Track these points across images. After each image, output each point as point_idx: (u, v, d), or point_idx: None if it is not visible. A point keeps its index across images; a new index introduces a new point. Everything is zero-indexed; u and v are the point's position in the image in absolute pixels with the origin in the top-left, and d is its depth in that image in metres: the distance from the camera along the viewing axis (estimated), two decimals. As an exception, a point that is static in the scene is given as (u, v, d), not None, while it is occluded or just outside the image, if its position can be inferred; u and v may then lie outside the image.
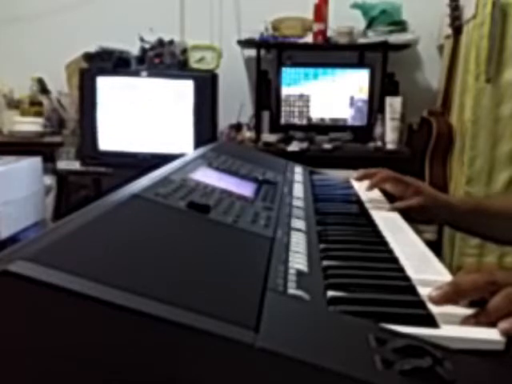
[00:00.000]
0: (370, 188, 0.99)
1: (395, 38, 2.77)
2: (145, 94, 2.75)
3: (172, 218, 0.57)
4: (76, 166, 2.89)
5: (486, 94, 2.28)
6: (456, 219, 0.96)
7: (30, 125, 2.92)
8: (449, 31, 2.62)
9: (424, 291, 0.51)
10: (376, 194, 1.00)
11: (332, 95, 2.92)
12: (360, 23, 2.87)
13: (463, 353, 0.40)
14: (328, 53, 2.96)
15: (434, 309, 0.47)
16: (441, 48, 2.99)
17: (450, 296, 0.48)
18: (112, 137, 2.79)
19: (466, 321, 0.46)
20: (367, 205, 0.91)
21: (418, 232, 0.75)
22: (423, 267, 0.60)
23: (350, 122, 2.93)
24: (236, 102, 3.01)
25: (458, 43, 2.55)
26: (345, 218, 0.80)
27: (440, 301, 0.48)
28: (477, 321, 0.46)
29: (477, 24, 2.32)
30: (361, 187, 1.03)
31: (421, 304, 0.48)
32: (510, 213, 0.94)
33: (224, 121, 2.91)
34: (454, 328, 0.44)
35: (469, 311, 0.47)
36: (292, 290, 0.45)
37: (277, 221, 0.67)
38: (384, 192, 1.00)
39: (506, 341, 0.41)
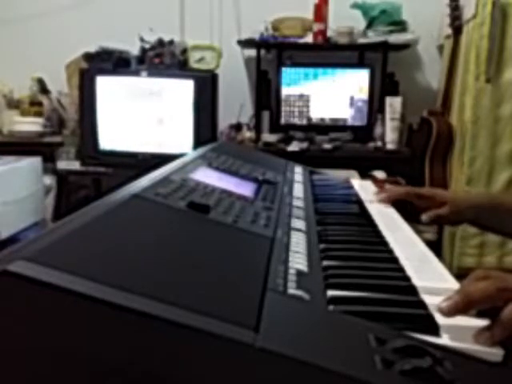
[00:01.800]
0: (387, 201, 0.94)
1: (395, 38, 2.77)
2: (145, 94, 2.75)
3: (172, 218, 0.57)
4: (76, 166, 2.89)
5: (486, 93, 2.28)
6: (478, 217, 0.95)
7: (30, 125, 2.92)
8: (449, 31, 2.62)
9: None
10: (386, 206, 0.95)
11: (332, 95, 2.92)
12: (360, 23, 2.87)
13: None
14: (328, 53, 2.96)
15: (435, 309, 0.47)
16: (441, 48, 2.99)
17: (460, 307, 0.45)
18: (112, 137, 2.79)
19: (479, 335, 0.43)
20: (368, 205, 0.91)
21: (418, 232, 0.75)
22: (423, 267, 0.60)
23: (350, 122, 2.93)
24: (236, 102, 3.01)
25: (458, 43, 2.55)
26: (345, 218, 0.80)
27: (450, 312, 0.45)
28: (492, 334, 0.42)
29: (477, 24, 2.32)
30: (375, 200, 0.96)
31: (421, 304, 0.48)
32: None
33: (224, 121, 2.91)
34: (453, 337, 0.43)
35: (473, 320, 0.46)
36: (292, 290, 0.45)
37: (277, 221, 0.67)
38: (396, 207, 0.95)
39: (503, 353, 0.41)
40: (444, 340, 0.43)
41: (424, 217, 0.92)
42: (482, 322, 0.45)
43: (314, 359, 0.34)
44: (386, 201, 0.94)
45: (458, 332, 0.43)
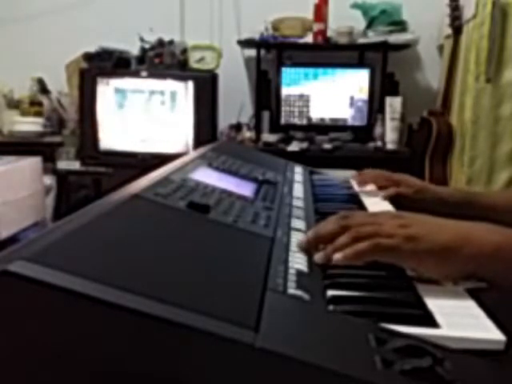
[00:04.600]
0: (361, 184, 1.04)
1: (395, 38, 2.77)
2: (145, 94, 2.75)
3: (172, 218, 0.57)
4: (76, 166, 2.89)
5: (486, 93, 2.28)
6: (447, 211, 0.97)
7: (29, 125, 2.92)
8: (449, 31, 2.62)
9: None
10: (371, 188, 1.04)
11: (332, 95, 2.92)
12: (360, 23, 2.87)
13: (463, 353, 0.40)
14: (328, 53, 2.95)
15: (434, 308, 0.47)
16: (441, 48, 2.98)
17: (312, 243, 0.58)
18: (112, 137, 2.79)
19: (317, 255, 0.55)
20: (364, 199, 0.92)
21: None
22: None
23: (350, 122, 2.93)
24: (236, 102, 3.01)
25: (458, 43, 2.55)
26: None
27: (305, 247, 0.58)
28: (325, 253, 0.55)
29: (477, 24, 2.32)
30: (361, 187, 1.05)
31: (420, 304, 0.48)
32: (504, 207, 0.93)
33: (224, 121, 2.92)
34: (454, 328, 0.44)
35: (464, 303, 0.48)
36: (292, 290, 0.45)
37: (277, 221, 0.67)
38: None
39: (505, 341, 0.41)
40: (444, 331, 0.43)
41: (383, 193, 0.96)
42: (482, 314, 0.46)
43: (314, 359, 0.34)
44: (362, 183, 1.03)
45: (458, 331, 0.43)
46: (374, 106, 2.89)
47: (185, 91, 2.71)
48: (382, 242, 0.53)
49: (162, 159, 0.88)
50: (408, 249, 0.52)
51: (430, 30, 2.92)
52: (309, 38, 2.85)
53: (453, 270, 0.53)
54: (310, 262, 0.55)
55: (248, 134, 2.90)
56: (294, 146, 2.73)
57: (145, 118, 2.77)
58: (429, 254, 0.52)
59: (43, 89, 3.07)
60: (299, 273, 0.51)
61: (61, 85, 3.05)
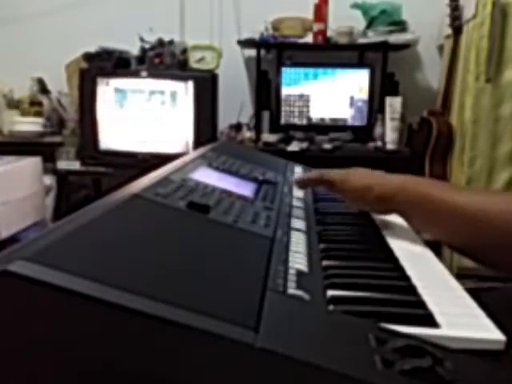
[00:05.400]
0: (303, 187, 0.90)
1: (395, 38, 2.77)
2: (145, 94, 2.75)
3: (172, 218, 0.57)
4: (76, 166, 2.89)
5: (485, 93, 2.28)
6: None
7: (29, 125, 2.92)
8: (449, 31, 2.62)
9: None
10: None
11: (332, 95, 2.92)
12: (360, 23, 2.87)
13: (463, 353, 0.40)
14: (328, 53, 2.96)
15: (434, 308, 0.47)
16: (441, 48, 2.99)
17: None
18: (112, 137, 2.79)
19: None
20: None
21: (418, 232, 0.75)
22: (423, 267, 0.60)
23: (350, 122, 2.93)
24: (236, 102, 3.01)
25: (458, 43, 2.55)
26: (345, 218, 0.80)
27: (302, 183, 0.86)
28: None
29: (477, 24, 2.32)
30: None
31: (421, 304, 0.48)
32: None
33: (224, 121, 2.92)
34: (454, 328, 0.44)
35: (464, 303, 0.48)
36: (292, 290, 0.45)
37: (277, 221, 0.67)
38: None
39: (505, 341, 0.41)
40: (444, 331, 0.43)
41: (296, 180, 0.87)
42: (482, 314, 0.46)
43: (314, 359, 0.34)
44: (302, 187, 0.89)
45: (458, 331, 0.43)
46: (374, 106, 2.89)
47: (185, 91, 2.71)
48: (326, 174, 0.78)
49: (162, 159, 0.88)
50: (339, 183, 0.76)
51: (430, 30, 2.92)
52: (309, 38, 2.85)
53: (371, 205, 0.76)
54: (310, 262, 0.55)
55: (248, 134, 2.90)
56: (294, 146, 2.73)
57: (145, 118, 2.77)
58: (351, 191, 0.76)
59: (43, 89, 3.07)
60: (299, 273, 0.51)
61: (61, 85, 3.05)
